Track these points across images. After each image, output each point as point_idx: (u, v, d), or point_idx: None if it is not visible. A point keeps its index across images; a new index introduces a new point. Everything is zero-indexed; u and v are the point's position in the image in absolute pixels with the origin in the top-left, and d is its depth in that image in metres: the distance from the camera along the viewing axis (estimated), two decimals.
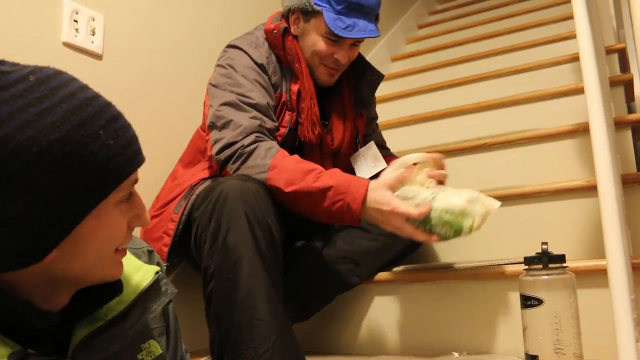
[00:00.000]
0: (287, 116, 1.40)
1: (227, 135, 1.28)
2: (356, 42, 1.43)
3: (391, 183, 1.18)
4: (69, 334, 0.71)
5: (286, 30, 1.43)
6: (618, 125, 1.62)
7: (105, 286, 0.72)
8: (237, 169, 1.26)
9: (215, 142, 1.30)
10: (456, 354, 1.31)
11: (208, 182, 1.32)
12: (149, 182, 1.45)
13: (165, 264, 1.31)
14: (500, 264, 1.34)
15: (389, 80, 2.76)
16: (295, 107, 1.41)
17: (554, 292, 1.02)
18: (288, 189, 1.20)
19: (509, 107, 2.05)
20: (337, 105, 1.51)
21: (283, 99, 1.41)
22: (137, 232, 1.43)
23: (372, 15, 1.41)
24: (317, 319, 1.48)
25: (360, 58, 1.52)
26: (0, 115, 0.57)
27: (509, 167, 1.76)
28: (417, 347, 1.41)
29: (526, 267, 1.06)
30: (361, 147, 1.55)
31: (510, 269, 1.31)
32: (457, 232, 1.14)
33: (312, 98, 1.41)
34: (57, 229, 0.60)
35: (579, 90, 1.83)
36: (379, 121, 1.74)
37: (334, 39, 1.39)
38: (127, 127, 0.66)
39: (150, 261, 0.88)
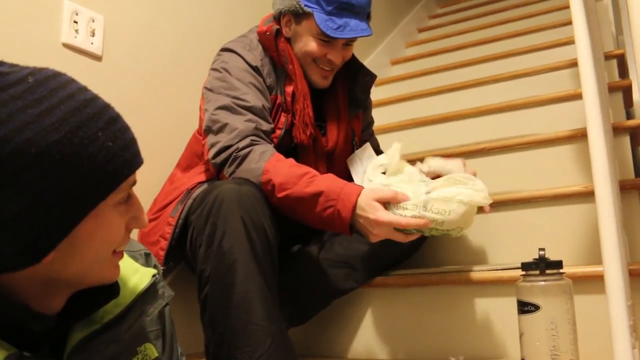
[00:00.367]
0: (283, 118, 1.40)
1: (223, 139, 1.28)
2: (349, 42, 1.43)
3: (383, 196, 1.17)
4: (65, 336, 0.70)
5: (278, 32, 1.43)
6: (616, 131, 1.62)
7: (102, 289, 0.72)
8: (233, 172, 1.26)
9: (212, 146, 1.30)
10: (453, 359, 1.31)
11: (204, 186, 1.32)
12: (148, 185, 1.45)
13: (162, 268, 1.31)
14: (497, 269, 1.34)
15: (388, 83, 2.76)
16: (290, 109, 1.41)
17: (551, 298, 1.02)
18: (280, 194, 1.20)
19: (508, 111, 2.05)
20: (332, 107, 1.51)
21: (278, 101, 1.41)
22: (134, 235, 1.42)
23: (363, 14, 1.40)
24: (313, 323, 1.47)
25: (354, 59, 1.52)
26: None
27: (507, 172, 1.76)
28: (413, 352, 1.41)
29: (523, 272, 1.06)
30: (357, 148, 1.55)
31: (507, 274, 1.31)
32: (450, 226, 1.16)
33: (305, 99, 1.41)
34: (55, 230, 0.60)
35: (578, 96, 1.83)
36: (377, 124, 1.74)
37: (326, 39, 1.38)
38: (125, 129, 0.66)
39: (147, 264, 0.88)
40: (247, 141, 1.27)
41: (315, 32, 1.38)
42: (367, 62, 2.68)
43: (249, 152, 1.25)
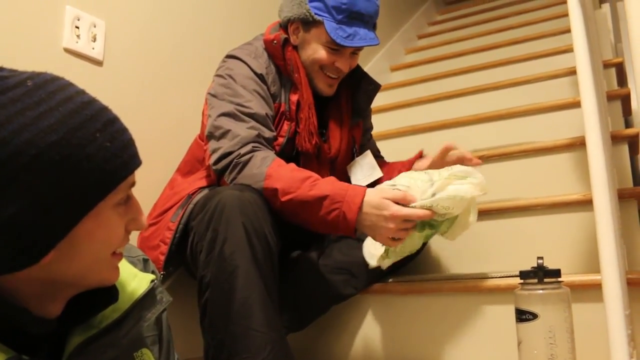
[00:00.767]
0: (286, 126, 1.41)
1: (225, 145, 1.28)
2: (356, 50, 1.44)
3: (393, 196, 1.18)
4: (63, 340, 0.71)
5: (286, 41, 1.43)
6: (615, 139, 1.63)
7: (101, 293, 0.73)
8: (234, 178, 1.26)
9: (213, 152, 1.30)
10: None
11: (205, 191, 1.32)
12: (148, 190, 1.45)
13: (162, 273, 1.31)
14: (495, 277, 1.35)
15: (388, 90, 2.77)
16: (294, 117, 1.42)
17: (549, 307, 1.02)
18: (284, 198, 1.20)
19: (507, 119, 2.06)
20: (335, 114, 1.52)
21: (282, 109, 1.41)
22: (134, 240, 1.43)
23: (371, 23, 1.42)
24: (312, 329, 1.47)
25: (357, 67, 1.53)
26: None
27: (505, 180, 1.77)
28: (411, 359, 1.41)
29: (521, 281, 1.06)
30: (357, 156, 1.56)
31: (505, 282, 1.31)
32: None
33: (310, 108, 1.42)
34: (54, 230, 0.61)
35: (577, 104, 1.83)
36: (377, 131, 1.75)
37: (335, 47, 1.40)
38: (123, 130, 0.67)
39: (145, 269, 0.88)
40: (248, 147, 1.27)
41: (324, 40, 1.39)
42: (368, 68, 2.69)
43: (250, 158, 1.25)
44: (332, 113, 1.52)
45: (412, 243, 1.26)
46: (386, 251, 1.28)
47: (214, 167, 1.30)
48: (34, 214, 0.59)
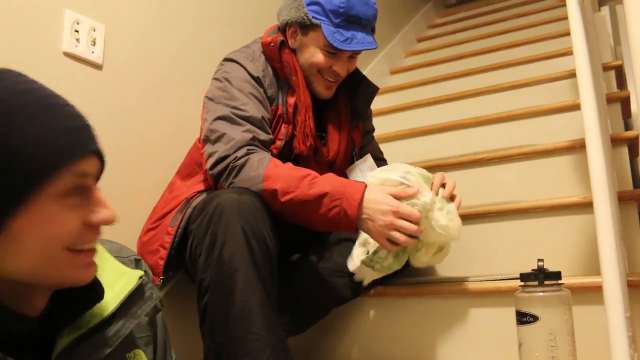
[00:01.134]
0: (283, 129, 1.41)
1: (220, 149, 1.28)
2: (354, 54, 1.44)
3: (395, 191, 1.20)
4: (52, 342, 0.69)
5: (283, 44, 1.43)
6: (614, 142, 1.63)
7: (86, 292, 0.71)
8: (231, 183, 1.26)
9: (209, 156, 1.30)
10: None
11: (204, 195, 1.32)
12: (148, 192, 1.45)
13: (162, 277, 1.31)
14: (496, 280, 1.34)
15: (387, 93, 2.77)
16: (291, 120, 1.42)
17: (550, 309, 1.02)
18: (284, 199, 1.20)
19: (507, 122, 2.06)
20: (334, 118, 1.52)
21: (279, 112, 1.41)
22: (133, 245, 1.43)
23: (369, 27, 1.42)
24: (312, 332, 1.47)
25: (356, 71, 1.53)
26: None
27: (505, 182, 1.77)
28: None
29: (522, 283, 1.06)
30: (357, 159, 1.56)
31: (506, 284, 1.31)
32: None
33: (307, 111, 1.42)
34: None
35: (576, 107, 1.84)
36: (377, 133, 1.75)
37: (332, 51, 1.40)
38: (64, 117, 0.64)
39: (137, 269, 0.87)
40: (243, 151, 1.27)
41: (322, 43, 1.39)
42: (367, 72, 2.69)
43: (246, 161, 1.25)
44: (330, 116, 1.52)
45: (398, 261, 1.29)
46: (372, 260, 1.28)
47: (210, 172, 1.30)
48: None
